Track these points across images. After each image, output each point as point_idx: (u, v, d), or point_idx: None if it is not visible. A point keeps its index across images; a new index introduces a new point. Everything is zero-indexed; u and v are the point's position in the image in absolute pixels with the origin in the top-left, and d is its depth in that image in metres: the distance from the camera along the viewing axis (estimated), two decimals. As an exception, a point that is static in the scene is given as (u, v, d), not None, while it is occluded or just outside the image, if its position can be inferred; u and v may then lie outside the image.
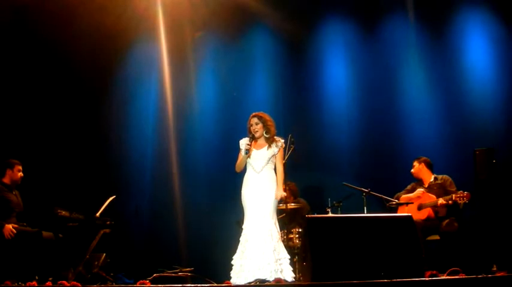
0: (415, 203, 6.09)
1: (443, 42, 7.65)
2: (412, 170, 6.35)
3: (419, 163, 6.31)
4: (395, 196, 6.31)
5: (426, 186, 6.21)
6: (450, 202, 5.85)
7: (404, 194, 6.31)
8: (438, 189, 6.08)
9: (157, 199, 7.65)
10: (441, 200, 5.89)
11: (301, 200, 6.92)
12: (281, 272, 5.08)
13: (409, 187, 6.39)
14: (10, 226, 5.60)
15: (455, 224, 5.93)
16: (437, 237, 6.00)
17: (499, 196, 6.53)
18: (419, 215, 5.94)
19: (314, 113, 7.85)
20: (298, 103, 7.87)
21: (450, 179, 6.17)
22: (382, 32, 7.87)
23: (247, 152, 5.32)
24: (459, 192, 5.86)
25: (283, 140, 5.51)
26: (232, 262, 5.26)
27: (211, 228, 7.38)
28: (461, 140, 7.15)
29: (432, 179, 6.23)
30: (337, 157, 7.60)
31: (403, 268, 4.49)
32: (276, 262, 5.10)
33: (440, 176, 6.23)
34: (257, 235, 5.15)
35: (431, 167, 6.30)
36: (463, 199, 5.80)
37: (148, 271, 6.02)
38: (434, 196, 6.00)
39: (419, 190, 6.12)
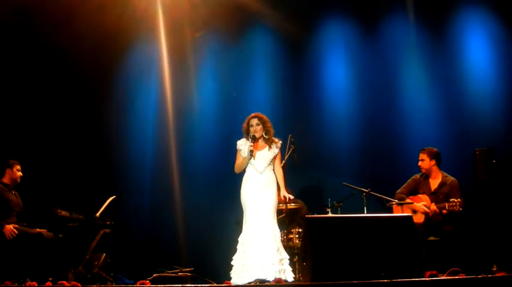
0: (410, 206, 6.03)
1: (443, 42, 7.65)
2: (421, 164, 6.17)
3: (430, 158, 6.12)
4: (396, 194, 6.25)
5: (432, 190, 6.08)
6: (444, 211, 5.80)
7: (405, 191, 6.20)
8: (443, 198, 5.93)
9: (157, 199, 7.65)
10: (433, 206, 5.84)
11: (299, 200, 6.92)
12: (284, 272, 5.11)
13: (411, 182, 6.24)
14: (11, 226, 5.60)
15: (448, 227, 5.87)
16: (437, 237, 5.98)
17: (499, 196, 6.53)
18: (416, 219, 5.90)
19: (314, 113, 7.84)
20: (298, 103, 7.87)
21: (457, 185, 6.00)
22: (382, 32, 7.87)
23: (252, 153, 5.33)
24: (451, 200, 5.80)
25: (281, 141, 5.54)
26: (232, 263, 5.27)
27: (211, 228, 7.38)
28: (461, 140, 7.14)
29: (440, 181, 6.07)
30: (337, 157, 7.59)
31: (403, 268, 4.49)
32: (280, 262, 5.13)
33: (449, 180, 6.05)
34: (260, 235, 5.17)
35: (440, 162, 6.15)
36: (456, 207, 5.72)
37: (148, 271, 6.02)
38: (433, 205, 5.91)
39: (426, 198, 5.99)
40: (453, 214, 5.83)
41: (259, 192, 5.31)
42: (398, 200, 6.13)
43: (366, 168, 7.40)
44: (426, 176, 6.19)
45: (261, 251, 5.11)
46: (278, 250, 5.17)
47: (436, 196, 6.00)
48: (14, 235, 5.57)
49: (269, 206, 5.28)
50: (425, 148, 6.22)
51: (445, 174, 6.14)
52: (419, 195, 6.10)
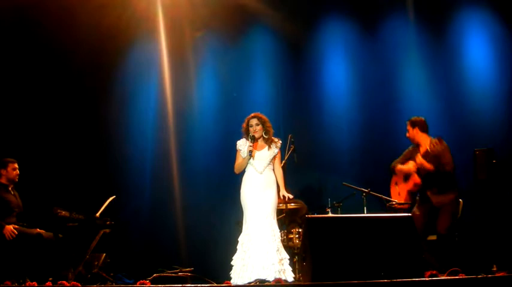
0: (402, 171, 5.97)
1: (443, 42, 7.65)
2: (407, 135, 6.11)
3: (413, 127, 6.03)
4: (392, 165, 6.16)
5: (422, 154, 5.92)
6: (427, 163, 5.69)
7: (400, 161, 6.11)
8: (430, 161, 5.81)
9: (157, 199, 7.65)
10: (418, 158, 5.76)
11: (299, 201, 6.91)
12: (284, 272, 5.11)
13: (406, 152, 6.15)
14: (11, 227, 5.60)
15: (444, 225, 5.72)
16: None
17: (499, 196, 6.53)
18: (412, 181, 5.84)
19: (314, 113, 7.85)
20: (298, 103, 7.87)
21: (443, 147, 5.77)
22: (382, 31, 7.87)
23: (251, 153, 5.33)
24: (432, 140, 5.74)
25: (281, 141, 5.54)
26: (232, 263, 5.27)
27: (211, 228, 7.38)
28: (461, 140, 7.13)
29: (428, 144, 5.89)
30: (337, 157, 7.60)
31: (403, 268, 4.49)
32: (280, 262, 5.13)
33: (434, 141, 5.81)
34: (260, 235, 5.17)
35: (425, 129, 6.01)
36: (437, 146, 5.61)
37: (148, 271, 6.01)
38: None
39: (412, 163, 5.92)
40: (445, 178, 5.77)
41: (259, 192, 5.31)
42: (392, 168, 6.12)
43: (366, 168, 7.39)
44: (417, 145, 6.08)
45: (261, 251, 5.11)
46: (278, 250, 5.17)
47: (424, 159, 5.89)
48: (14, 236, 5.57)
49: (269, 206, 5.28)
50: (410, 118, 6.14)
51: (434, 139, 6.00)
52: (409, 161, 6.03)
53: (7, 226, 5.59)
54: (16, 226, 5.67)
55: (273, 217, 5.29)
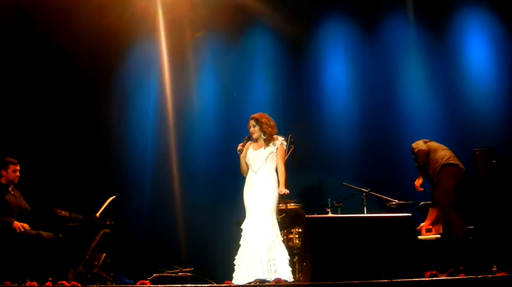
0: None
1: (443, 42, 7.66)
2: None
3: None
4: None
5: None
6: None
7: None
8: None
9: (157, 199, 7.65)
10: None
11: (298, 204, 6.88)
12: (275, 272, 5.04)
13: None
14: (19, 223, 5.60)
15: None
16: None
17: (499, 196, 6.52)
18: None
19: (314, 113, 7.85)
20: (298, 103, 7.87)
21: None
22: (382, 32, 7.88)
23: (240, 152, 5.38)
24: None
25: (283, 139, 5.52)
26: (235, 262, 5.28)
27: (211, 228, 7.38)
28: (461, 140, 7.14)
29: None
30: (337, 157, 7.60)
31: (403, 268, 4.49)
32: (270, 262, 5.05)
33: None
34: (253, 234, 5.16)
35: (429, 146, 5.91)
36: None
37: (148, 271, 6.02)
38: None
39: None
40: None
41: (254, 191, 5.29)
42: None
43: (366, 168, 7.39)
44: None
45: (252, 251, 5.11)
46: (270, 250, 5.09)
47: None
48: (23, 230, 5.56)
49: (265, 205, 5.23)
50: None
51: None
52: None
53: (15, 222, 5.58)
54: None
55: (269, 217, 5.21)
